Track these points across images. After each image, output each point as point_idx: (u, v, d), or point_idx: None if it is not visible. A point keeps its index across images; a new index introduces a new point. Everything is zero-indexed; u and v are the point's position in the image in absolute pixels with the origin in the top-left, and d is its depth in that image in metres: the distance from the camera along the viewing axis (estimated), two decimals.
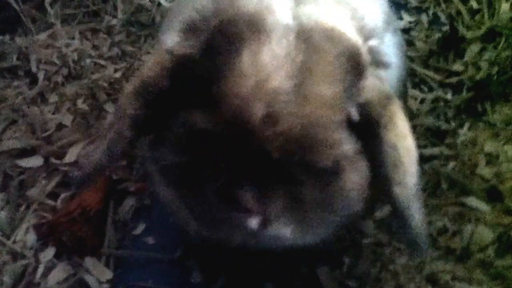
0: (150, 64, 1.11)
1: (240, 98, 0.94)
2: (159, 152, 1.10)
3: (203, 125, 0.99)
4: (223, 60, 0.99)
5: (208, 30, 1.05)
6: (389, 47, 1.32)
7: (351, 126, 1.02)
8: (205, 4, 1.12)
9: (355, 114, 1.02)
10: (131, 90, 1.10)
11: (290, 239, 1.05)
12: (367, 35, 1.10)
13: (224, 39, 1.01)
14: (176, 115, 1.05)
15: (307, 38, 0.98)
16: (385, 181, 1.03)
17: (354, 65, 1.01)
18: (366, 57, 1.06)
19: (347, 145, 1.00)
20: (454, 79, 2.21)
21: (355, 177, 1.03)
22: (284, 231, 1.01)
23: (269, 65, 0.95)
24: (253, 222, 0.98)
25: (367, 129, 1.03)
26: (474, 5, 2.52)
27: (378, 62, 1.11)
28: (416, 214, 1.04)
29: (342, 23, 1.05)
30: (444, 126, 2.01)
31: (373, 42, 1.11)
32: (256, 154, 0.94)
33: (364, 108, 1.03)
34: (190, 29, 1.12)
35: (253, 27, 0.99)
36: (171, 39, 1.17)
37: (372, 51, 1.09)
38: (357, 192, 1.05)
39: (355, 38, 1.05)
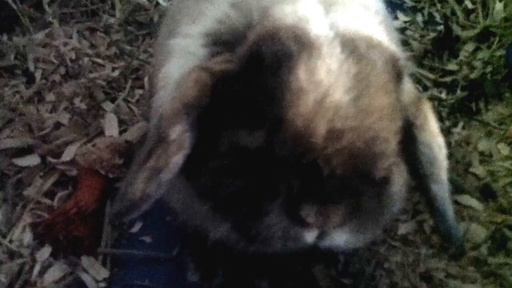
0: (189, 83, 1.03)
1: (301, 116, 0.91)
2: (204, 176, 1.04)
3: (255, 144, 0.96)
4: (275, 77, 0.95)
5: (246, 44, 1.01)
6: None
7: None
8: (229, 14, 1.07)
9: None
10: (172, 113, 1.01)
11: (341, 248, 1.03)
12: (392, 38, 1.10)
13: (271, 55, 0.96)
14: (220, 136, 1.00)
15: (353, 48, 0.95)
16: (422, 179, 1.07)
17: (397, 71, 1.00)
18: (403, 62, 1.04)
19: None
20: (448, 78, 2.21)
21: (400, 179, 1.05)
22: (339, 241, 1.00)
23: (325, 80, 0.92)
24: (310, 236, 0.97)
25: (405, 130, 1.02)
26: (469, 5, 2.53)
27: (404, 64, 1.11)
28: (450, 207, 1.08)
29: (376, 30, 1.04)
30: (438, 124, 1.99)
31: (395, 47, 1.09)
32: (319, 170, 0.91)
33: (402, 111, 1.02)
34: (220, 43, 1.07)
35: (299, 41, 0.95)
36: (196, 52, 1.12)
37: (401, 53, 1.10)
38: (401, 193, 1.07)
39: (390, 44, 1.03)
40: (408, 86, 1.07)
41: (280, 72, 0.94)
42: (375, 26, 1.05)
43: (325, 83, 0.92)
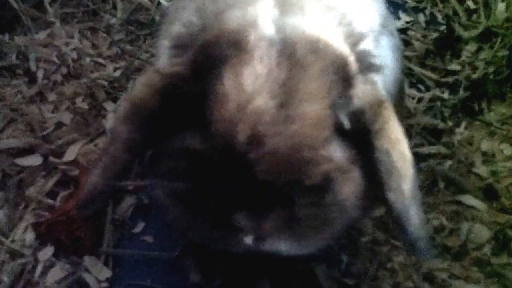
0: (140, 85, 1.08)
1: (224, 121, 0.92)
2: (159, 174, 1.08)
3: (196, 147, 0.97)
4: (208, 81, 0.97)
5: (194, 48, 1.04)
6: (386, 50, 1.31)
7: (344, 134, 1.00)
8: (192, 19, 1.10)
9: (346, 123, 1.00)
10: (122, 113, 1.08)
11: (287, 253, 1.02)
12: (356, 40, 1.07)
13: (208, 59, 0.99)
14: (172, 137, 1.03)
15: (291, 53, 0.96)
16: (380, 188, 1.01)
17: (342, 75, 0.99)
18: (354, 65, 1.03)
19: (338, 157, 0.98)
20: (450, 79, 2.21)
21: (349, 187, 1.00)
22: (280, 246, 0.99)
23: (250, 85, 0.92)
24: (248, 240, 0.97)
25: (360, 136, 1.01)
26: (471, 5, 2.53)
27: (370, 66, 1.08)
28: (414, 218, 1.00)
29: (328, 32, 1.02)
30: (441, 125, 2.00)
31: (364, 46, 1.08)
32: (246, 176, 0.91)
33: (355, 116, 1.01)
34: (178, 46, 1.11)
35: (235, 46, 0.97)
36: (162, 55, 1.16)
37: (363, 55, 1.07)
38: (352, 201, 1.01)
39: (342, 47, 1.02)
40: (362, 89, 1.03)
41: (213, 76, 0.96)
42: (330, 29, 1.03)
43: (249, 88, 0.92)
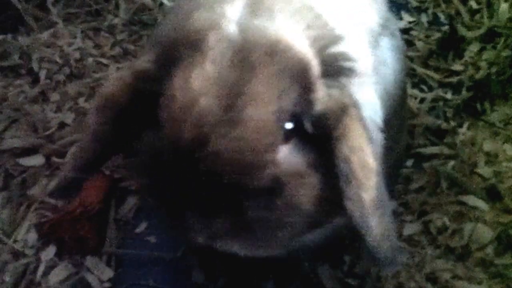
0: (112, 80, 1.12)
1: (172, 121, 0.93)
2: (133, 168, 1.12)
3: (154, 145, 0.99)
4: (165, 80, 0.98)
5: (159, 47, 1.06)
6: (386, 50, 1.31)
7: (307, 138, 0.99)
8: (171, 17, 1.13)
9: (309, 127, 0.99)
10: (94, 106, 1.13)
11: (243, 253, 1.03)
12: (328, 42, 1.04)
13: (168, 58, 1.00)
14: (141, 132, 1.05)
15: (247, 55, 0.95)
16: (339, 195, 0.98)
17: (300, 79, 0.97)
18: (316, 69, 1.00)
19: (292, 162, 0.97)
20: (453, 79, 2.19)
21: (303, 191, 0.98)
22: (233, 246, 1.00)
23: (197, 86, 0.93)
24: (201, 240, 0.97)
25: (322, 142, 1.00)
26: (474, 5, 2.51)
27: (340, 70, 1.05)
28: (374, 229, 0.97)
29: (291, 35, 1.00)
30: (443, 125, 1.99)
31: (336, 49, 1.05)
32: (194, 175, 0.91)
33: (318, 121, 0.99)
34: (154, 44, 1.12)
35: (193, 47, 0.97)
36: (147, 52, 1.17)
37: (333, 58, 1.04)
38: (307, 206, 0.99)
39: (303, 51, 1.00)
40: (326, 94, 1.01)
41: (168, 76, 0.98)
42: (294, 32, 1.01)
43: (196, 89, 0.93)
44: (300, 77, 0.97)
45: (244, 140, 0.91)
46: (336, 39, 1.06)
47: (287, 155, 0.97)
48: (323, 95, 1.00)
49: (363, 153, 0.99)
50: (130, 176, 1.14)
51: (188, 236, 0.98)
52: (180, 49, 0.98)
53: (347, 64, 1.05)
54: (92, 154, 1.12)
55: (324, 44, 1.03)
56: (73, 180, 1.16)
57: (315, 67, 1.00)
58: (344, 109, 1.00)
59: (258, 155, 0.92)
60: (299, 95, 0.97)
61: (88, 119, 1.12)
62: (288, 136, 0.97)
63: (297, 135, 0.99)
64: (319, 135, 0.99)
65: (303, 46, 1.00)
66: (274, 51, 0.96)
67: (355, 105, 1.02)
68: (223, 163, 0.90)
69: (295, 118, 0.98)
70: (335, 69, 1.04)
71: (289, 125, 0.97)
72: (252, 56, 0.95)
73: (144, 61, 1.09)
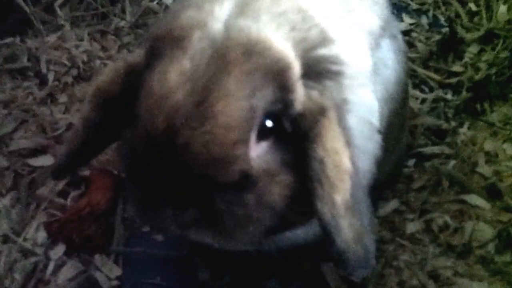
0: (107, 70, 1.15)
1: (146, 113, 0.95)
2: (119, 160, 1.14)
3: (129, 137, 1.01)
4: (145, 74, 1.00)
5: (150, 41, 1.06)
6: (387, 52, 1.30)
7: (285, 137, 0.99)
8: (166, 14, 1.13)
9: (288, 127, 0.99)
10: (88, 94, 1.16)
11: (217, 245, 1.03)
12: (313, 45, 1.03)
13: (153, 53, 1.02)
14: (130, 124, 1.04)
15: (224, 53, 0.95)
16: (310, 195, 0.97)
17: (277, 79, 0.97)
18: (295, 70, 0.99)
19: (264, 159, 0.97)
20: (453, 80, 2.19)
21: (275, 189, 0.98)
22: (204, 237, 1.00)
23: (173, 81, 0.94)
24: (174, 229, 0.98)
25: (298, 141, 0.99)
26: (473, 7, 2.51)
27: (324, 72, 1.04)
28: (345, 232, 0.96)
29: (272, 36, 0.99)
30: (444, 125, 1.99)
31: (323, 52, 1.04)
32: (164, 167, 0.93)
33: (297, 121, 0.99)
34: (146, 39, 1.14)
35: (175, 43, 0.98)
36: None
37: (317, 60, 1.03)
38: (278, 204, 0.99)
39: (284, 52, 0.99)
40: (304, 95, 1.00)
41: (147, 70, 1.00)
42: (276, 33, 1.01)
43: (171, 83, 0.94)
44: (277, 77, 0.97)
45: (213, 134, 0.91)
46: (324, 42, 1.05)
47: (262, 153, 0.97)
48: (302, 96, 1.00)
49: (338, 155, 0.98)
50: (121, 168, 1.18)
51: (161, 226, 1.00)
52: (164, 45, 1.00)
53: (333, 67, 1.05)
54: (84, 140, 1.15)
55: (309, 46, 1.03)
56: (67, 164, 1.20)
57: (295, 68, 0.99)
58: (322, 111, 1.00)
59: (226, 149, 0.92)
60: (276, 95, 0.97)
61: (81, 107, 1.15)
62: (265, 134, 0.98)
63: (276, 134, 0.99)
64: (296, 135, 0.99)
65: (283, 47, 0.99)
66: (252, 51, 0.96)
67: (336, 107, 1.02)
68: (192, 156, 0.91)
69: (274, 117, 0.98)
70: (319, 71, 1.03)
71: (268, 123, 0.98)
72: (230, 54, 0.95)
73: (136, 55, 1.12)
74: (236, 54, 0.95)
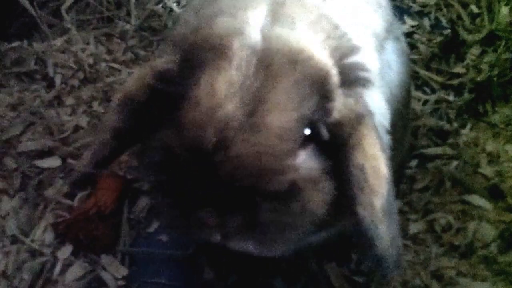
0: (133, 78, 1.11)
1: (195, 124, 0.93)
2: (142, 165, 1.10)
3: (171, 144, 0.97)
4: (186, 83, 0.98)
5: (183, 48, 1.04)
6: (391, 54, 1.30)
7: (322, 145, 0.99)
8: (189, 19, 1.11)
9: (325, 134, 0.99)
10: (114, 103, 1.12)
11: (254, 253, 1.02)
12: (345, 53, 1.05)
13: (191, 61, 1.00)
14: (157, 131, 1.03)
15: (270, 63, 0.95)
16: (350, 201, 0.99)
17: (320, 88, 0.97)
18: (334, 79, 1.00)
19: (309, 167, 0.97)
20: (455, 81, 2.19)
21: (318, 196, 0.98)
22: (245, 246, 0.99)
23: (223, 92, 0.92)
24: (215, 238, 0.96)
25: (336, 149, 1.00)
26: (475, 9, 2.51)
27: (357, 80, 1.05)
28: (383, 235, 0.99)
29: (312, 45, 1.00)
30: (446, 126, 1.99)
31: (353, 59, 1.05)
32: (212, 177, 0.91)
33: (334, 129, 0.99)
34: (174, 44, 1.11)
35: (217, 52, 0.97)
36: (163, 52, 1.17)
37: (350, 68, 1.04)
38: (320, 211, 0.99)
39: (323, 60, 1.00)
40: (342, 103, 1.01)
41: (192, 78, 0.97)
42: (315, 42, 1.01)
43: (221, 94, 0.92)
44: (320, 86, 0.97)
45: (265, 146, 0.91)
46: (353, 50, 1.06)
47: (304, 161, 0.97)
48: (340, 104, 1.00)
49: (377, 161, 1.00)
50: (141, 174, 1.14)
51: (201, 234, 0.98)
52: (204, 54, 0.98)
53: (363, 74, 1.06)
54: (110, 150, 1.13)
55: (342, 54, 1.04)
56: (90, 174, 1.17)
57: (334, 76, 1.00)
58: (360, 118, 1.01)
59: (279, 160, 0.92)
60: (318, 103, 0.97)
61: (107, 116, 1.12)
62: (305, 142, 0.97)
63: (313, 141, 0.98)
64: (334, 142, 0.99)
65: (323, 56, 1.00)
66: (296, 60, 0.96)
67: (370, 114, 1.03)
68: (244, 167, 0.90)
69: (313, 125, 0.98)
70: (352, 79, 1.04)
71: (307, 131, 0.97)
72: (275, 64, 0.95)
73: (164, 62, 1.08)
74: (281, 64, 0.95)
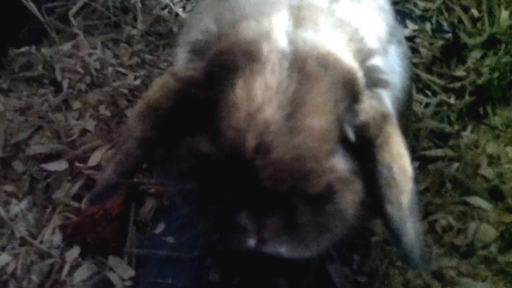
0: (156, 86, 1.09)
1: (234, 129, 0.93)
2: (169, 173, 1.08)
3: (205, 150, 0.97)
4: (220, 88, 0.97)
5: (209, 54, 1.04)
6: (394, 58, 1.31)
7: (348, 146, 1.00)
8: (209, 26, 1.10)
9: (351, 135, 1.00)
10: (138, 112, 1.09)
11: (287, 256, 1.02)
12: (366, 55, 1.06)
13: (222, 67, 0.99)
14: (183, 138, 1.03)
15: (302, 66, 0.96)
16: (379, 200, 1.00)
17: (349, 90, 0.99)
18: (361, 81, 1.02)
19: (341, 169, 0.98)
20: (456, 84, 2.19)
21: (350, 197, 0.99)
22: (280, 249, 0.99)
23: (261, 96, 0.93)
24: (250, 242, 0.97)
25: (364, 149, 1.01)
26: (475, 13, 2.51)
27: (378, 81, 1.07)
28: (410, 231, 1.01)
29: (338, 48, 1.02)
30: (447, 128, 1.99)
31: (373, 61, 1.07)
32: (251, 181, 0.91)
33: (361, 130, 1.01)
34: (195, 51, 1.11)
35: (249, 56, 0.97)
36: (180, 60, 1.17)
37: (371, 70, 1.06)
38: (352, 211, 1.00)
39: (351, 63, 1.02)
40: (368, 104, 1.02)
41: (224, 84, 0.96)
42: (340, 45, 1.02)
43: (259, 98, 0.92)
44: (349, 88, 0.99)
45: (305, 148, 0.92)
46: (372, 52, 1.08)
47: (338, 162, 0.98)
48: (366, 105, 1.02)
49: (403, 159, 1.02)
50: (168, 183, 1.11)
51: (237, 239, 0.98)
52: (234, 59, 0.98)
53: (382, 75, 1.08)
54: (136, 160, 1.10)
55: (364, 56, 1.06)
56: (115, 187, 1.13)
57: (361, 78, 1.02)
58: (385, 118, 1.03)
59: (318, 162, 0.93)
60: (347, 105, 0.98)
61: (130, 125, 1.09)
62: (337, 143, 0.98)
63: (341, 143, 0.99)
64: (360, 143, 1.00)
65: (349, 58, 1.02)
66: (326, 63, 0.97)
67: (392, 114, 1.05)
68: (284, 170, 0.91)
69: (342, 126, 0.99)
70: (374, 80, 1.06)
71: (342, 133, 0.99)
72: (308, 67, 0.95)
73: (186, 69, 1.08)
74: (313, 67, 0.96)
